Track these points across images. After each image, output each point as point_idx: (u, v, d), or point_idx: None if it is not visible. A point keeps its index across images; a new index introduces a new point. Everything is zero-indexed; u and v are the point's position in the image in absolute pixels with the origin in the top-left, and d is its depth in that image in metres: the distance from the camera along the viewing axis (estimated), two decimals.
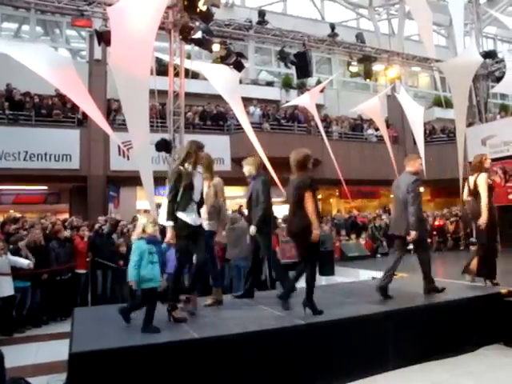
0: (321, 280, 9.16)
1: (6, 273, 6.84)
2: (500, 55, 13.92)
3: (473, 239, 12.47)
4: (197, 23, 9.33)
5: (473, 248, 11.85)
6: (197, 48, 10.70)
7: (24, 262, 6.93)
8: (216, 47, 9.79)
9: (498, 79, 12.80)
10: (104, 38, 8.83)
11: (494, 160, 12.18)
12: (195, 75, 13.99)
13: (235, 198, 17.87)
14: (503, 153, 12.11)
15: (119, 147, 12.13)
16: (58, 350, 4.59)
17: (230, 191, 17.42)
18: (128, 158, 11.91)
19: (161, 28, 8.60)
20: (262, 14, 11.45)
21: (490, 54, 13.62)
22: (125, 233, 9.22)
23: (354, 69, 12.10)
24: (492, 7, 19.26)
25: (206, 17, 8.95)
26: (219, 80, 10.49)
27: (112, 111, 13.85)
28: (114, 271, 8.55)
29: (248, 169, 5.79)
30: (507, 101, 22.42)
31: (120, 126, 12.01)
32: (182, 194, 4.57)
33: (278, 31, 11.26)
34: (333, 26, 12.51)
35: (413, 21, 17.24)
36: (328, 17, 21.03)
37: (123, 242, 8.76)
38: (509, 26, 12.33)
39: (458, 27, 12.43)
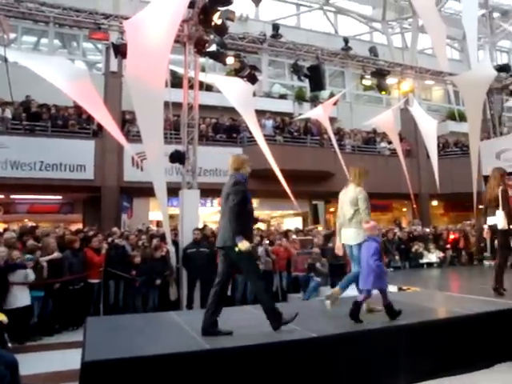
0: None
1: (22, 282, 7.02)
2: None
3: (487, 254, 12.34)
4: (211, 36, 9.44)
5: (487, 263, 11.73)
6: (211, 61, 10.84)
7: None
8: (230, 60, 9.88)
9: None
10: (120, 50, 8.97)
11: (508, 174, 12.09)
12: (209, 88, 14.14)
13: None
14: None
15: (133, 158, 12.25)
16: (71, 359, 4.62)
17: None
18: (142, 169, 12.02)
19: (176, 41, 8.73)
20: (275, 27, 11.52)
21: (504, 68, 13.55)
22: (140, 245, 9.28)
23: (368, 82, 12.11)
24: (506, 21, 19.23)
25: (221, 30, 9.05)
26: (233, 92, 10.58)
27: (126, 122, 14.01)
28: (126, 281, 8.59)
29: None
30: None
31: (134, 137, 12.14)
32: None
33: (291, 44, 11.33)
34: (346, 40, 12.55)
35: (426, 34, 17.29)
36: (341, 30, 21.17)
37: (138, 254, 8.82)
38: None
39: (472, 41, 12.39)
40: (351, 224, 5.26)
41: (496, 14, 20.71)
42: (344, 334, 4.50)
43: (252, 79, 10.16)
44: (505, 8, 21.44)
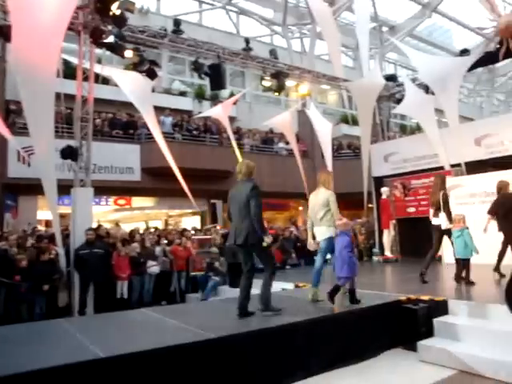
0: (232, 292, 9.11)
1: None
2: (400, 79, 14.94)
3: (375, 249, 13.16)
4: (109, 27, 8.97)
5: (375, 258, 12.50)
6: (108, 52, 10.30)
7: None
8: (129, 53, 9.45)
9: (398, 101, 13.69)
10: (3, 32, 8.10)
11: (394, 176, 13.04)
12: (106, 81, 13.50)
13: (145, 208, 17.41)
14: (403, 169, 12.90)
15: (19, 152, 11.31)
16: None
17: (140, 202, 16.97)
18: (29, 165, 11.15)
19: (69, 28, 8.16)
20: (177, 23, 11.26)
21: (391, 78, 14.54)
22: (29, 247, 8.57)
23: (267, 83, 12.28)
24: (393, 35, 20.72)
25: (120, 21, 8.62)
26: (131, 87, 10.18)
27: (11, 113, 12.87)
28: (9, 287, 7.84)
29: None
30: (406, 121, 24.13)
31: (21, 129, 11.20)
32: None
33: (193, 42, 11.14)
34: (247, 40, 12.67)
35: (323, 41, 18.04)
36: (243, 31, 21.37)
37: (24, 257, 8.12)
38: (407, 54, 13.28)
39: (364, 50, 13.13)
40: (322, 222, 5.99)
41: (385, 29, 22.23)
42: (242, 334, 4.49)
43: (151, 75, 9.81)
44: (392, 24, 23.08)
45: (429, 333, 5.51)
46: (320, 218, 6.00)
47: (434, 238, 7.50)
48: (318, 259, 6.27)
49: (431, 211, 7.62)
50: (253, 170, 5.54)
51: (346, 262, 5.62)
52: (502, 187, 7.67)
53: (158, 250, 10.08)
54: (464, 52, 12.38)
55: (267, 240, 5.15)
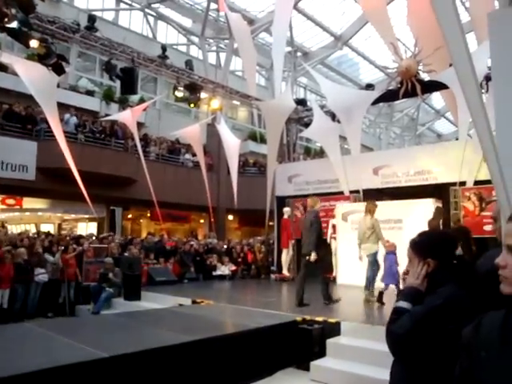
0: (127, 306, 8.73)
1: None
2: (309, 104, 15.50)
3: (273, 268, 13.36)
4: (13, 11, 8.25)
5: (272, 276, 12.70)
6: (9, 38, 9.49)
7: None
8: (34, 43, 8.74)
9: (306, 125, 14.18)
10: None
11: (296, 197, 13.40)
12: (3, 68, 12.48)
13: (37, 210, 16.26)
14: (305, 191, 13.26)
15: None
16: None
17: (32, 203, 15.78)
18: None
19: None
20: (92, 19, 10.62)
21: (301, 102, 15.03)
22: None
23: (180, 94, 12.08)
24: (306, 61, 21.60)
25: (27, 7, 7.95)
26: (33, 79, 9.49)
27: None
28: None
29: None
30: (310, 144, 25.12)
31: None
32: None
33: (107, 41, 10.64)
34: (164, 48, 12.41)
35: (238, 58, 18.26)
36: (159, 37, 21.01)
37: None
38: (318, 81, 13.87)
39: (278, 72, 13.48)
40: (368, 241, 8.07)
41: (299, 54, 23.12)
42: (137, 353, 4.26)
43: (58, 70, 9.10)
44: (306, 50, 24.05)
45: (322, 353, 5.70)
46: (367, 237, 8.07)
47: None
48: (369, 270, 8.03)
49: None
50: (316, 202, 7.95)
51: (393, 274, 7.44)
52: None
53: (50, 257, 9.38)
54: (369, 86, 13.19)
55: (312, 257, 7.31)
